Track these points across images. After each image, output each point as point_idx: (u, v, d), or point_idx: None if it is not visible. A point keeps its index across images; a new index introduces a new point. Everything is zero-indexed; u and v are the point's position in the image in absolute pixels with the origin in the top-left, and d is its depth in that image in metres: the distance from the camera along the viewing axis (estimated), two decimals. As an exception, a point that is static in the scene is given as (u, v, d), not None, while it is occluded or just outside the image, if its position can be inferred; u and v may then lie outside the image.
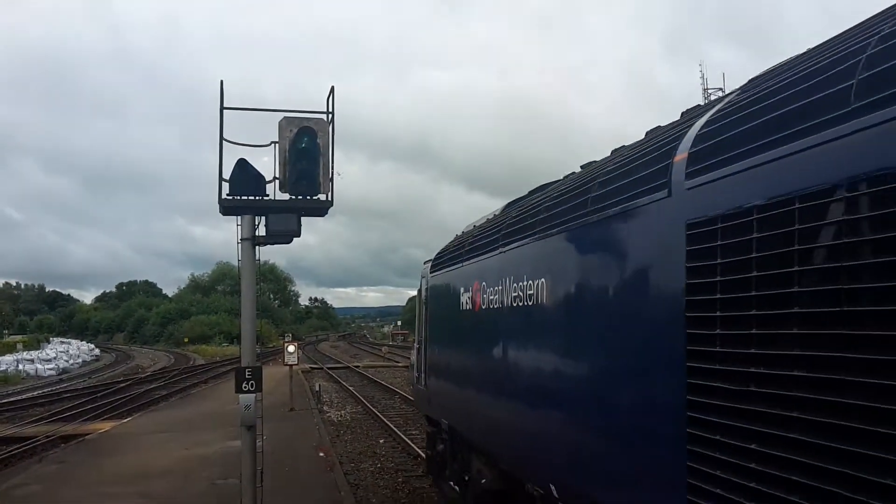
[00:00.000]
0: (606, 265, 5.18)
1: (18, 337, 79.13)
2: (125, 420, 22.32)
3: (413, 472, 14.89)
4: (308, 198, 9.61)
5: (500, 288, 7.71)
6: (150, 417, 23.03)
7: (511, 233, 7.62)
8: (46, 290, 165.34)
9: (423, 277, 12.77)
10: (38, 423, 22.10)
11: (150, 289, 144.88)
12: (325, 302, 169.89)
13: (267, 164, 9.60)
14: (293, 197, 9.58)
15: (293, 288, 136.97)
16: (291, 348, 23.83)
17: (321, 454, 15.57)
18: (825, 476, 2.77)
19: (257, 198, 9.62)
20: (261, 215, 9.78)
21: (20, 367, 49.11)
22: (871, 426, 2.55)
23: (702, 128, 4.25)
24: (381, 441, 18.79)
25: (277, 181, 9.58)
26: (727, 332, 3.52)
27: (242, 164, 9.55)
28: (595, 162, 6.70)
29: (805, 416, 2.92)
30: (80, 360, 62.07)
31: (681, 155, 4.28)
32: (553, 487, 6.06)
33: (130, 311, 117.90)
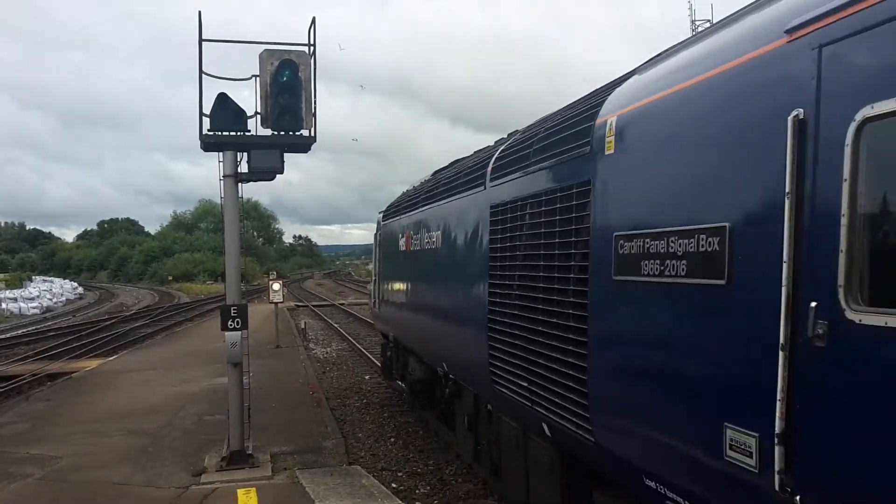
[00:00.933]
0: (463, 226, 8.79)
1: (0, 276, 78.62)
2: (111, 358, 22.37)
3: (399, 408, 15.10)
4: (291, 133, 9.43)
5: (419, 235, 11.32)
6: (136, 355, 23.09)
7: (426, 198, 11.22)
8: (27, 228, 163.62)
9: (378, 224, 16.20)
10: (24, 362, 22.08)
11: (132, 226, 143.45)
12: (310, 239, 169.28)
13: (248, 98, 9.39)
14: (275, 132, 9.40)
15: (277, 225, 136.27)
16: (276, 286, 23.80)
17: (311, 392, 15.71)
18: (524, 326, 6.50)
19: (239, 133, 9.44)
20: (243, 151, 9.62)
21: (3, 305, 48.90)
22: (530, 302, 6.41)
23: (499, 152, 7.91)
24: (367, 377, 19.00)
25: (259, 116, 9.38)
26: (499, 263, 7.24)
27: (223, 99, 9.32)
28: (481, 150, 10.24)
29: (520, 302, 6.63)
30: (63, 299, 61.88)
31: (490, 167, 7.92)
32: (444, 364, 10.28)
33: (113, 249, 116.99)
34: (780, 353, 3.32)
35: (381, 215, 15.77)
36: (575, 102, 6.61)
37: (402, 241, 12.76)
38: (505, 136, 9.06)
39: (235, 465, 9.60)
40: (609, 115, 5.21)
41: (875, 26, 2.99)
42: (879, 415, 2.89)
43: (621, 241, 4.78)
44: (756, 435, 3.50)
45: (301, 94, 9.31)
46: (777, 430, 3.33)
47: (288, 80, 9.18)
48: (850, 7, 3.12)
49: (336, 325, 32.06)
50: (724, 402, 3.77)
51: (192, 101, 9.18)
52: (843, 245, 3.07)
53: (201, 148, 9.57)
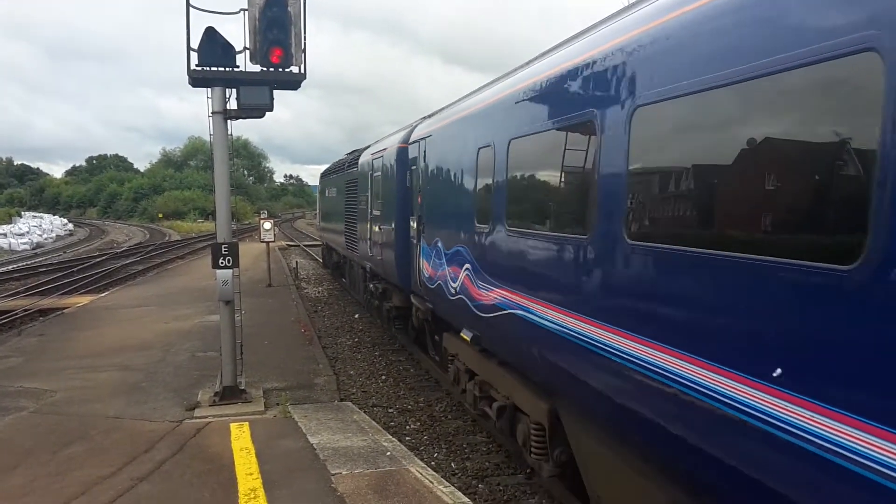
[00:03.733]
0: (341, 187, 21.88)
1: (-11, 211, 77.90)
2: (103, 294, 22.43)
3: (389, 347, 15.28)
4: (280, 70, 9.27)
5: (332, 189, 24.73)
6: (127, 292, 23.16)
7: (334, 169, 25.12)
8: (15, 163, 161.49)
9: (320, 180, 29.74)
10: (15, 297, 22.13)
11: (121, 163, 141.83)
12: (301, 179, 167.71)
13: (235, 32, 9.18)
14: (264, 69, 9.23)
15: (267, 164, 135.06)
16: (267, 225, 23.77)
17: (303, 330, 15.84)
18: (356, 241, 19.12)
19: (227, 69, 9.26)
20: (231, 87, 9.45)
21: (-7, 241, 48.67)
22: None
23: (350, 158, 21.00)
24: (357, 316, 19.17)
25: (248, 51, 9.20)
26: (347, 205, 20.30)
27: (211, 33, 9.11)
28: (351, 152, 23.16)
29: (349, 220, 20.20)
30: (53, 235, 61.55)
31: (346, 163, 21.51)
32: (339, 249, 23.83)
33: (102, 186, 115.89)
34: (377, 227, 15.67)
35: (321, 175, 29.45)
36: (361, 148, 19.75)
37: (327, 192, 26.40)
38: (372, 141, 18.98)
39: (228, 401, 9.75)
40: (360, 158, 17.89)
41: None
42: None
43: (373, 201, 15.50)
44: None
45: (290, 30, 9.11)
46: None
47: (277, 14, 8.98)
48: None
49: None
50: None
51: (179, 34, 8.95)
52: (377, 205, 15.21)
53: (189, 83, 9.40)
